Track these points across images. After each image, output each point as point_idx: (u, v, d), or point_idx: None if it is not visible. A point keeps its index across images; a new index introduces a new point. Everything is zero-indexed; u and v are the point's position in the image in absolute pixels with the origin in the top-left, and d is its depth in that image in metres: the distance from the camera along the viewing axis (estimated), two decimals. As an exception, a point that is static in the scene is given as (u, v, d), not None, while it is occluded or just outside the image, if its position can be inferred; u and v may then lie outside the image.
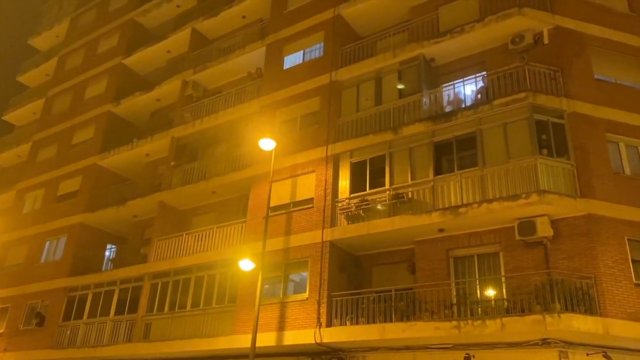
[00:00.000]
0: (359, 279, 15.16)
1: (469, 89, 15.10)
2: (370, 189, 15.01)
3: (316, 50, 18.73)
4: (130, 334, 17.88)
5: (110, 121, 24.61)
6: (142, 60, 25.47)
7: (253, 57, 20.49)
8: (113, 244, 22.97)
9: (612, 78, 14.32)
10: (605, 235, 12.09)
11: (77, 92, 27.23)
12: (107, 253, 22.72)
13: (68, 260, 21.67)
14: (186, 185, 19.53)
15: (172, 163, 20.47)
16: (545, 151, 12.92)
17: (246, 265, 14.81)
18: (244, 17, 22.46)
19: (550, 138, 13.12)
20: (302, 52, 19.14)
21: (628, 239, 12.21)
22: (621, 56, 14.66)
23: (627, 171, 13.28)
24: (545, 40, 14.21)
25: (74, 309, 20.33)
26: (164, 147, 21.46)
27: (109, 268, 21.30)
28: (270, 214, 15.42)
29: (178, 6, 25.46)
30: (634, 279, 11.83)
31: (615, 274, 11.76)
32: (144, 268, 18.90)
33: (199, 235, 18.12)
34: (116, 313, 18.96)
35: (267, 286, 15.42)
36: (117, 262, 21.04)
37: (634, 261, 12.06)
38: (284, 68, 19.26)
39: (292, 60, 19.31)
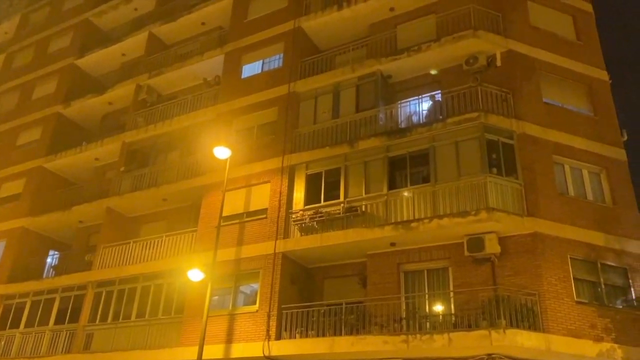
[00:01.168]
0: (310, 292, 15.08)
1: (424, 106, 15.38)
2: (324, 201, 15.02)
3: (275, 61, 18.71)
4: (70, 345, 17.14)
5: (58, 123, 23.73)
6: (95, 62, 24.76)
7: (211, 64, 20.28)
8: (56, 250, 22.01)
9: (559, 102, 14.92)
10: (549, 253, 12.49)
11: (25, 91, 26.16)
12: (49, 259, 21.72)
13: (6, 266, 20.64)
14: (136, 191, 19.01)
15: (122, 168, 19.91)
16: (494, 170, 13.28)
17: (195, 275, 14.47)
18: (203, 23, 22.22)
19: (500, 157, 13.50)
20: (261, 61, 19.09)
21: (570, 258, 12.66)
22: (568, 82, 15.31)
23: (571, 192, 13.80)
24: (498, 63, 14.69)
25: (10, 318, 19.35)
26: (114, 151, 20.86)
27: (50, 275, 20.37)
28: (222, 224, 15.16)
29: (136, 9, 24.97)
30: (575, 297, 12.25)
31: (558, 291, 12.15)
32: (88, 276, 18.21)
33: (147, 243, 17.63)
34: (56, 322, 18.15)
35: (216, 297, 15.11)
36: (60, 269, 20.13)
37: (575, 279, 12.50)
38: (242, 77, 19.14)
39: (250, 69, 19.21)
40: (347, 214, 14.35)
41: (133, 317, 16.55)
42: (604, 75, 15.66)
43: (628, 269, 12.93)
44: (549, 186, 13.38)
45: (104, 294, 17.58)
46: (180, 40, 22.83)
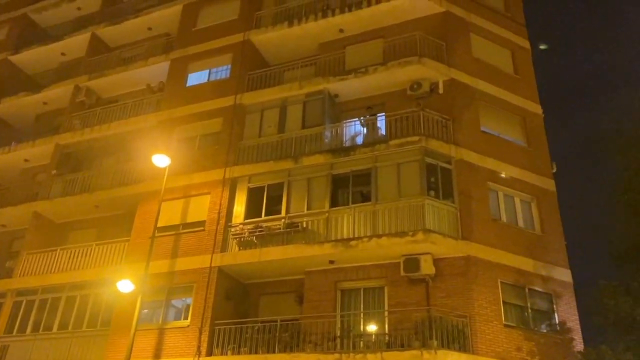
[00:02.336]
0: (245, 308, 14.79)
1: (368, 127, 15.64)
2: (265, 215, 14.87)
3: (222, 72, 18.54)
4: (-19, 358, 15.92)
5: (-14, 120, 22.40)
6: (32, 59, 23.62)
7: (155, 70, 19.81)
8: (-27, 255, 20.56)
9: (495, 131, 15.56)
10: (481, 277, 12.86)
11: (-49, 85, 24.54)
12: (-36, 265, 20.25)
13: None
14: (67, 196, 18.13)
15: (54, 171, 18.97)
16: (432, 193, 13.63)
17: (125, 286, 13.86)
18: (149, 29, 21.72)
19: (438, 181, 13.88)
20: (207, 71, 18.84)
21: (501, 282, 13.08)
22: (504, 113, 16.00)
23: (504, 218, 14.33)
24: (440, 90, 15.21)
25: None
26: (47, 153, 19.87)
27: (-36, 282, 18.94)
28: (157, 234, 14.67)
29: (79, 8, 24.11)
30: (503, 320, 12.64)
31: (488, 314, 12.51)
32: (8, 283, 17.12)
33: (75, 251, 16.79)
34: (-33, 333, 16.84)
35: (146, 311, 14.53)
36: (-24, 276, 18.80)
37: (504, 303, 12.92)
38: (187, 85, 18.83)
39: (196, 78, 18.92)
40: (288, 229, 14.26)
41: (55, 329, 15.64)
42: (537, 109, 16.50)
43: (553, 295, 13.52)
44: (483, 211, 13.84)
45: (24, 303, 16.54)
46: (125, 43, 22.20)
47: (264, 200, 15.16)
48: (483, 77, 16.05)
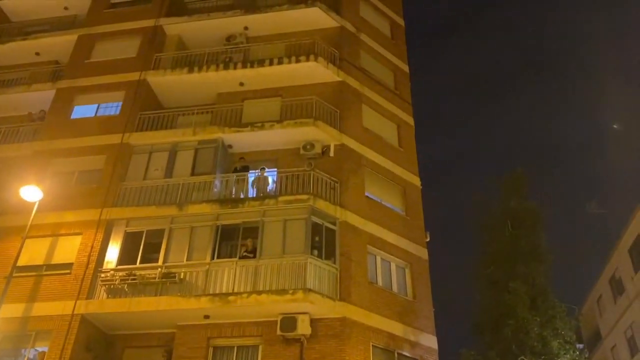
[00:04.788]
0: (107, 361, 13.65)
1: (260, 181, 15.71)
2: (141, 263, 14.12)
3: (112, 108, 17.80)
4: None
5: None
6: None
7: (38, 97, 18.50)
8: None
9: (378, 198, 16.37)
10: (355, 339, 13.09)
11: None
12: None
13: None
14: None
15: None
16: (316, 252, 13.85)
17: (-33, 331, 12.23)
18: (37, 54, 20.41)
19: (322, 241, 14.17)
20: (96, 105, 17.98)
21: (372, 345, 13.39)
22: (387, 181, 16.96)
23: (380, 282, 14.88)
24: (331, 153, 15.86)
25: None
26: None
27: None
28: (15, 274, 13.24)
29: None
30: (372, 383, 12.89)
31: (357, 376, 12.68)
32: None
33: None
34: None
35: (-11, 360, 12.87)
36: None
37: (374, 365, 13.21)
38: (72, 117, 17.79)
39: (82, 111, 17.97)
40: (164, 279, 13.62)
41: None
42: (417, 181, 17.70)
43: (419, 360, 14.09)
44: (361, 274, 14.27)
45: None
46: (7, 65, 20.57)
47: (141, 246, 14.43)
48: (371, 146, 16.98)
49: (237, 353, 13.21)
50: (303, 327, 12.67)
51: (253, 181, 15.76)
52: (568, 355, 14.07)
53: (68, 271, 14.18)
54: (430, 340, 14.57)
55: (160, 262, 14.03)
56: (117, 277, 13.75)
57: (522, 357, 13.65)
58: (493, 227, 17.04)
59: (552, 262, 16.03)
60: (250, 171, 15.89)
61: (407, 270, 15.67)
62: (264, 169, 15.90)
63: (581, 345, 17.44)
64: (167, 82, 18.03)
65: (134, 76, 18.15)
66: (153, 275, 13.75)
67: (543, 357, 13.93)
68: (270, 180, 15.75)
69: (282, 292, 12.87)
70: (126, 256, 14.33)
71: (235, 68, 17.65)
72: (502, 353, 14.35)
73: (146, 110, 17.38)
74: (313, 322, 12.94)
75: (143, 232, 14.68)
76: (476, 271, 16.72)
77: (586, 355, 14.72)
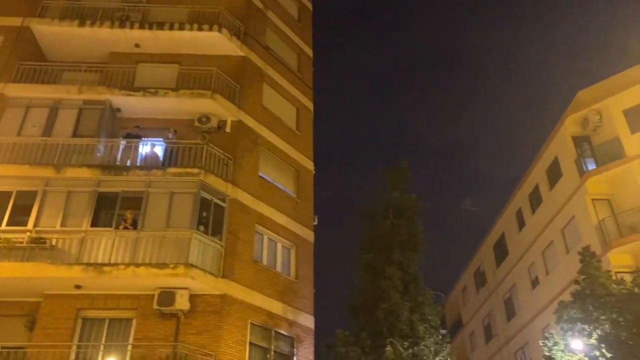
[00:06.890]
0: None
1: (147, 149, 15.03)
2: (7, 225, 12.99)
3: (-14, 54, 16.01)
4: None
5: None
6: None
7: None
8: None
9: (271, 179, 16.39)
10: (234, 316, 13.10)
11: None
12: None
13: None
14: None
15: None
16: (202, 228, 13.58)
17: None
18: None
19: (210, 217, 13.91)
20: (-34, 49, 16.09)
21: (251, 323, 13.50)
22: (282, 163, 17.04)
23: (264, 262, 14.97)
24: (227, 129, 15.57)
25: None
26: None
27: None
28: None
29: None
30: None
31: (233, 354, 12.72)
32: None
33: None
34: None
35: None
36: None
37: (251, 344, 13.31)
38: None
39: (-51, 52, 15.97)
40: (33, 244, 12.62)
41: None
42: (310, 166, 17.98)
43: (295, 339, 14.45)
44: (246, 252, 14.27)
45: None
46: None
47: (8, 207, 13.26)
48: (268, 126, 16.92)
49: (108, 325, 12.65)
50: (181, 303, 12.43)
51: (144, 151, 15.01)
52: (432, 339, 15.21)
53: None
54: (307, 320, 14.98)
55: (30, 226, 12.99)
56: (-23, 239, 12.53)
57: (391, 339, 14.53)
58: (376, 215, 17.89)
59: (427, 252, 17.21)
60: (141, 140, 15.10)
61: (292, 251, 15.92)
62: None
63: (444, 331, 18.98)
64: (54, 32, 16.54)
65: (15, 21, 16.49)
66: (20, 240, 12.70)
67: (410, 339, 14.93)
68: (160, 150, 15.11)
69: (162, 265, 12.50)
70: (-10, 217, 13.10)
71: (132, 27, 16.60)
72: (374, 334, 15.19)
73: (27, 60, 15.85)
74: (193, 297, 12.74)
75: (12, 192, 13.48)
76: (357, 256, 17.47)
77: (447, 340, 15.96)
